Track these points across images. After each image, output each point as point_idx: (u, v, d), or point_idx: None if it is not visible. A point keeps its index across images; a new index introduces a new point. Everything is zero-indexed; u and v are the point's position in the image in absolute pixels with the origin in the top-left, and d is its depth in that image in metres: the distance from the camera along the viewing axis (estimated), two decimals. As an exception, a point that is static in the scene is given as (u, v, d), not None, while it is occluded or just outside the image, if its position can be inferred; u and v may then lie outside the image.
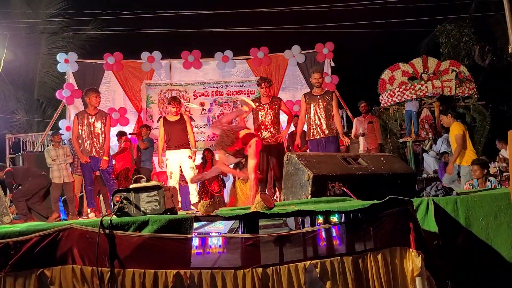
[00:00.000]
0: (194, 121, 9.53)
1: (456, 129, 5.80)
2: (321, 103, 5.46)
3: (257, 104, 5.50)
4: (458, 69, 10.71)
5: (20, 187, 6.33)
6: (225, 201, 8.15)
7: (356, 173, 3.30)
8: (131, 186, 2.37)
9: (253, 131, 5.19)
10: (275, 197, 5.76)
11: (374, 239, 2.33)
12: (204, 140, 9.85)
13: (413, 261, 2.27)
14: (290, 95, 10.15)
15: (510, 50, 4.85)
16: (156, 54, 9.87)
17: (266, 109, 5.52)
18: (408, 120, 10.53)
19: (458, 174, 5.78)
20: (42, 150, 8.62)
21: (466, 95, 10.62)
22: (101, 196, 7.45)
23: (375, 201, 2.39)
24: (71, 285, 2.05)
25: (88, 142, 5.76)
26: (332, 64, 10.15)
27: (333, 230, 2.42)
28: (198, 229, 3.43)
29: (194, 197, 5.80)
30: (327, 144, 5.38)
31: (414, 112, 10.52)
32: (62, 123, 9.29)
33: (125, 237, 2.10)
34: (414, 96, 10.44)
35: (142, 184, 2.39)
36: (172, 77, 10.09)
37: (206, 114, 10.02)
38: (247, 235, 2.22)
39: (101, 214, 5.77)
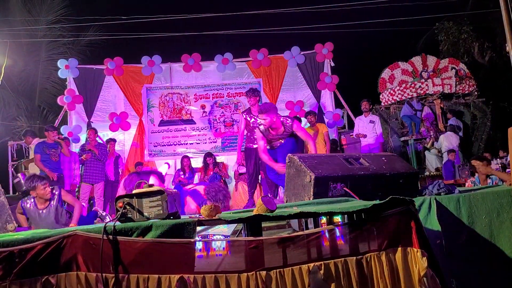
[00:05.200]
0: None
1: (324, 128, 8.06)
2: None
3: None
4: (457, 66, 10.73)
5: None
6: (229, 204, 8.15)
7: (358, 173, 3.29)
8: (134, 191, 2.38)
9: None
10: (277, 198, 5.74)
11: (378, 239, 2.32)
12: (205, 143, 9.87)
13: (417, 261, 2.27)
14: (290, 96, 10.18)
15: (507, 48, 4.84)
16: (156, 58, 9.90)
17: None
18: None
19: None
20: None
21: (466, 92, 10.63)
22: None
23: (377, 201, 2.38)
24: (76, 291, 2.06)
25: None
26: (332, 64, 10.17)
27: (336, 231, 2.41)
28: (202, 231, 3.43)
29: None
30: None
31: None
32: (63, 129, 9.31)
33: (129, 242, 2.10)
34: (415, 94, 10.46)
35: (145, 189, 2.39)
36: (172, 80, 10.13)
37: (207, 116, 10.05)
38: (250, 238, 2.22)
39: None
